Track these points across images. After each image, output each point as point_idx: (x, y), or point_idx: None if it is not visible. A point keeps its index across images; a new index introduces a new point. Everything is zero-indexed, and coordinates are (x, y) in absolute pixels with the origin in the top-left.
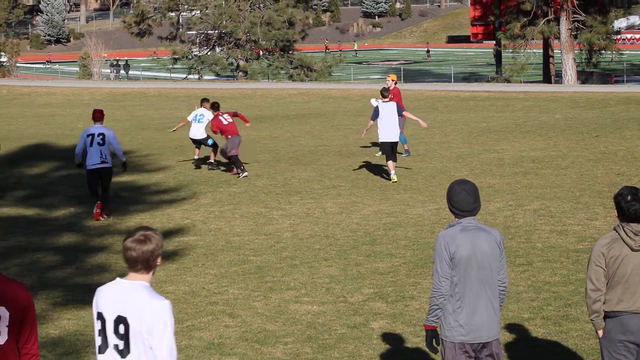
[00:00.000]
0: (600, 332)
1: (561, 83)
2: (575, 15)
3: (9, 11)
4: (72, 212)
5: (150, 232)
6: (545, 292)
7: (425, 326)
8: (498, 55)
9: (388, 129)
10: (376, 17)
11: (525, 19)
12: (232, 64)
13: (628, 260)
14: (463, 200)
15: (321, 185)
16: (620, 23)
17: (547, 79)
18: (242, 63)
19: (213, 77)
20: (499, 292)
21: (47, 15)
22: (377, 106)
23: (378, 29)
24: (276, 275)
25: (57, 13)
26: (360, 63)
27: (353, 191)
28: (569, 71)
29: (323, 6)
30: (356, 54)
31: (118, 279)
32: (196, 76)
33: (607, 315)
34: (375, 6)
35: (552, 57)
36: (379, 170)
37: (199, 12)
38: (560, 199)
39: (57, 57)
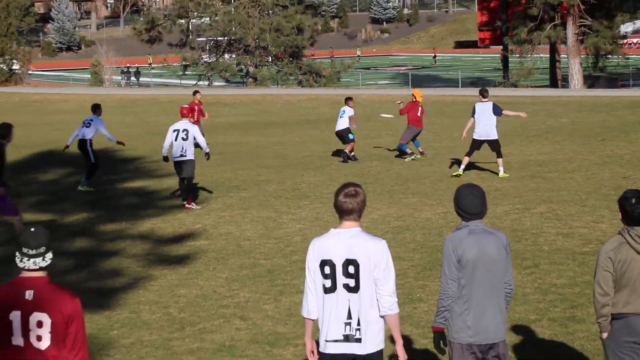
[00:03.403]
0: (605, 335)
1: (568, 87)
2: (581, 20)
3: (21, 19)
4: (84, 217)
5: (357, 187)
6: (551, 294)
7: (433, 328)
8: (505, 60)
9: (482, 127)
10: (384, 22)
11: (532, 24)
12: (241, 70)
13: (635, 263)
14: (470, 203)
15: (330, 190)
16: (626, 27)
17: (553, 84)
18: (251, 69)
19: (223, 83)
20: (505, 294)
21: (58, 23)
22: (475, 105)
23: (386, 35)
24: (286, 278)
25: (68, 21)
26: (368, 69)
27: None
28: (576, 75)
29: (331, 12)
30: (359, 59)
31: (332, 229)
32: (206, 82)
33: (614, 317)
34: (383, 12)
35: (559, 61)
36: (388, 175)
37: (208, 19)
38: (566, 202)
39: (68, 65)
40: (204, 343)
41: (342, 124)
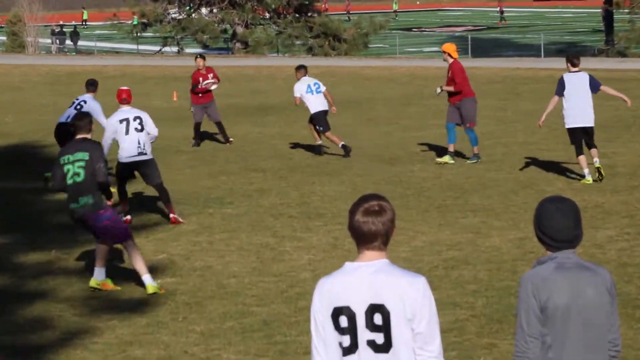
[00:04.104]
0: None
1: None
2: None
3: None
4: None
5: (382, 200)
6: None
7: None
8: (608, 18)
9: (577, 109)
10: None
11: None
12: (226, 31)
13: None
14: (558, 225)
15: None
16: None
17: None
18: (240, 30)
19: (199, 50)
20: (610, 359)
21: None
22: (562, 77)
23: None
24: (290, 333)
25: None
26: (409, 30)
27: (399, 213)
28: None
29: None
30: (396, 16)
31: (347, 263)
32: (175, 48)
33: None
34: None
35: None
36: (437, 183)
37: None
38: None
39: None
40: None
41: (323, 102)
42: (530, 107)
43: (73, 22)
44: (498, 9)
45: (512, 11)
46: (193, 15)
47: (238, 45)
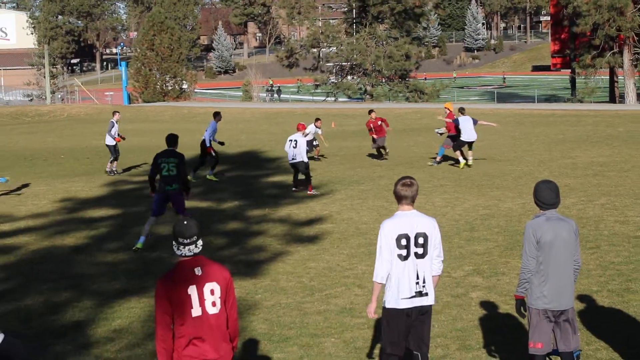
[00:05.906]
0: None
1: (624, 103)
2: (635, 49)
3: (189, 49)
4: (237, 205)
5: (412, 179)
6: (610, 270)
7: (515, 296)
8: (573, 81)
9: (467, 133)
10: (475, 51)
11: (595, 52)
12: (361, 89)
13: None
14: (547, 196)
15: (431, 184)
16: None
17: (612, 100)
18: (368, 88)
19: (346, 99)
20: (574, 270)
21: (218, 52)
22: (456, 118)
23: (477, 60)
24: None
25: (226, 50)
26: (462, 87)
27: (456, 189)
28: (631, 93)
29: (433, 43)
30: (454, 80)
31: (398, 212)
32: (332, 98)
33: None
34: (475, 42)
35: (617, 82)
36: (477, 173)
37: (335, 48)
38: (623, 196)
39: (225, 85)
40: (330, 306)
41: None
42: (528, 130)
43: (278, 84)
44: (503, 76)
45: (520, 77)
46: (343, 80)
47: (367, 96)
